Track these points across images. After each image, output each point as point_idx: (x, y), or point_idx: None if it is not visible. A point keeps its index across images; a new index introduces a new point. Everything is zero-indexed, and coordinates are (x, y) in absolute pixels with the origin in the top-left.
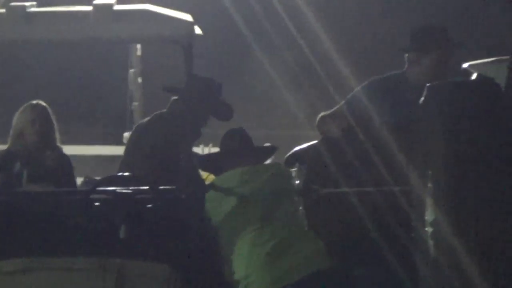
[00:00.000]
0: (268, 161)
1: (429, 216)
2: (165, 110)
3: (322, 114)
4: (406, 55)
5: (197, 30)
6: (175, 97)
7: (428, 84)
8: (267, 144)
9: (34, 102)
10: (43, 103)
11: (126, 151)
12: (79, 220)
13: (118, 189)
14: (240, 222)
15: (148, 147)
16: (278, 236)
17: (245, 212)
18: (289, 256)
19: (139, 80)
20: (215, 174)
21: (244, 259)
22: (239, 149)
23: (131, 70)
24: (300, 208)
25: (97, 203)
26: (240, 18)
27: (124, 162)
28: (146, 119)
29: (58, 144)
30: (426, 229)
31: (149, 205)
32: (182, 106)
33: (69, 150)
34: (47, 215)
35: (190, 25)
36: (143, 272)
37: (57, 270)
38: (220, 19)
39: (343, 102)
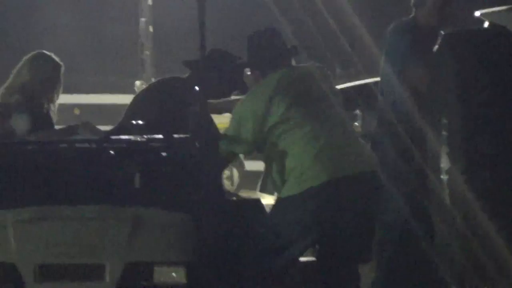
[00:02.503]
0: None
1: (444, 163)
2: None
3: None
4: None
5: None
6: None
7: (443, 33)
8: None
9: (35, 52)
10: (44, 52)
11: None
12: (94, 168)
13: (132, 137)
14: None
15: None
16: (325, 136)
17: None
18: (342, 151)
19: (150, 29)
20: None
21: (293, 156)
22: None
23: (142, 19)
24: None
25: (111, 152)
26: None
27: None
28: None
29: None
30: (442, 177)
31: (164, 154)
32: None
33: (81, 99)
34: (62, 163)
35: None
36: (158, 219)
37: (71, 219)
38: None
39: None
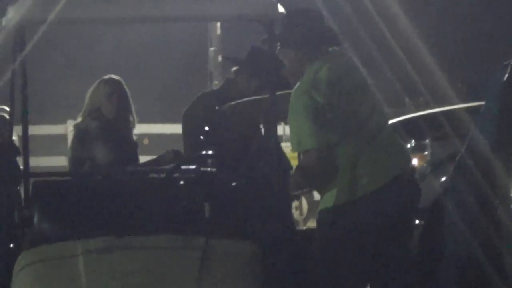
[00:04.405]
0: None
1: None
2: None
3: None
4: None
5: (280, 9)
6: (234, 69)
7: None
8: None
9: (107, 77)
10: (117, 77)
11: (189, 135)
12: (163, 198)
13: (202, 167)
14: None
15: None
16: (367, 148)
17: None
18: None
19: (219, 59)
20: None
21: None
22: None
23: (211, 49)
24: None
25: (181, 182)
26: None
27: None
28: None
29: (132, 118)
30: None
31: (234, 183)
32: (242, 77)
33: (151, 129)
34: (132, 193)
35: (272, 3)
36: (227, 249)
37: (141, 248)
38: None
39: None
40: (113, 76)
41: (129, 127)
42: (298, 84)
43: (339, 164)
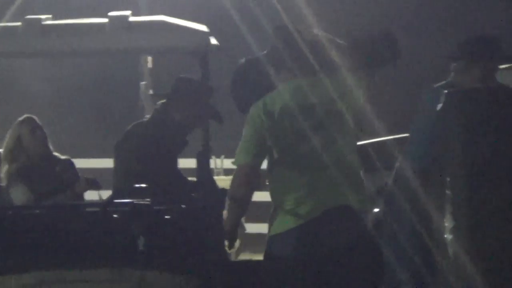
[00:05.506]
0: None
1: (448, 222)
2: (147, 118)
3: None
4: (453, 64)
5: (213, 41)
6: (162, 101)
7: (445, 91)
8: None
9: (21, 118)
10: (30, 115)
11: (118, 165)
12: (97, 232)
13: (136, 200)
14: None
15: (138, 161)
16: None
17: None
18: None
19: (151, 92)
20: None
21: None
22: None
23: (142, 83)
24: None
25: (115, 215)
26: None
27: (119, 176)
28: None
29: (56, 153)
30: (446, 236)
31: (167, 216)
32: (170, 109)
33: (81, 163)
34: (65, 227)
35: (206, 35)
36: (162, 282)
37: (76, 282)
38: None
39: None
40: (27, 115)
41: (54, 156)
42: (265, 97)
43: (286, 189)
